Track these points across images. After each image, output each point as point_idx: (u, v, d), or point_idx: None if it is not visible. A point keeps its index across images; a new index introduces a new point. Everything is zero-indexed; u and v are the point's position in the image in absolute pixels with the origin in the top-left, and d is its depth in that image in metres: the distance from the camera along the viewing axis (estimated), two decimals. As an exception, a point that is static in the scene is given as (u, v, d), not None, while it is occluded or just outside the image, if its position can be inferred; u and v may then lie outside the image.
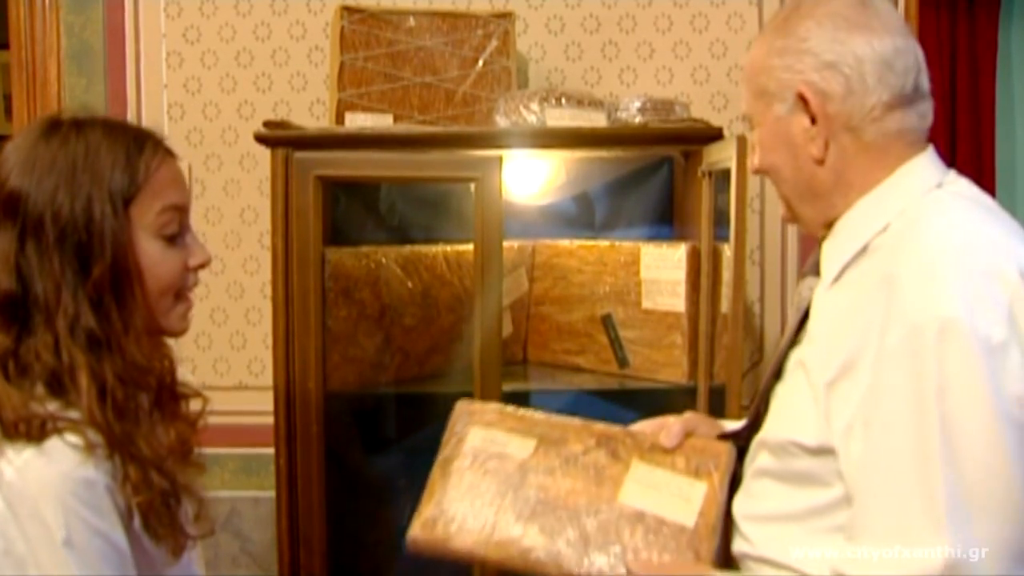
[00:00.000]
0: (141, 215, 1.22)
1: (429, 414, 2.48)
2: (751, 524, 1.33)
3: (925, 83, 1.27)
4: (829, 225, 1.30)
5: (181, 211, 1.27)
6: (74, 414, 1.16)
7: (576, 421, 1.48)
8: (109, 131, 1.23)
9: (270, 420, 2.09)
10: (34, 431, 1.13)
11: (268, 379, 2.17)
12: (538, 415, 1.50)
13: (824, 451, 1.19)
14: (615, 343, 2.29)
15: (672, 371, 2.20)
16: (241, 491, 2.63)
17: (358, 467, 2.44)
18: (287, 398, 2.06)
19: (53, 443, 1.13)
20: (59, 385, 1.16)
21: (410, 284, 2.25)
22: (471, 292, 2.18)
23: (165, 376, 1.27)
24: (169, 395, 1.28)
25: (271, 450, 2.09)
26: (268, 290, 2.46)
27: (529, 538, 1.36)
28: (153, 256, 1.23)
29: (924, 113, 1.28)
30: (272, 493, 2.12)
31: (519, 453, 1.45)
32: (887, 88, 1.23)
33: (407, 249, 2.28)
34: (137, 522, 1.18)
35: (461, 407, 1.55)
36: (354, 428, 2.42)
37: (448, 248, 2.32)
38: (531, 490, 1.40)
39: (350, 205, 2.43)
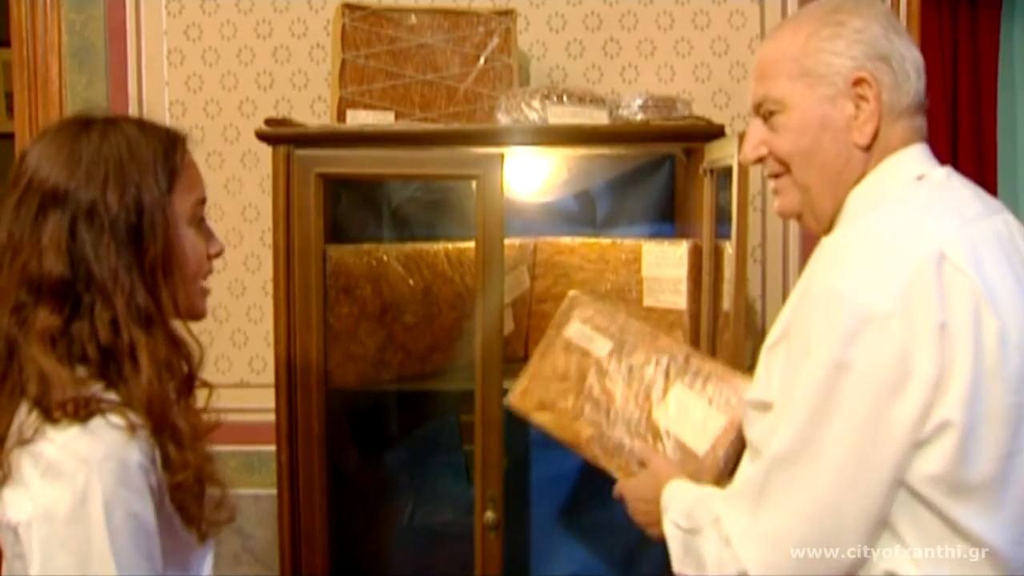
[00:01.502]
0: (179, 203, 1.31)
1: (430, 411, 2.49)
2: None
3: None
4: (834, 220, 1.35)
5: (204, 202, 1.37)
6: (113, 396, 1.20)
7: (648, 331, 1.74)
8: (142, 128, 1.32)
9: (271, 417, 2.09)
10: (79, 411, 1.17)
11: (269, 376, 2.17)
12: (622, 317, 1.77)
13: (765, 407, 1.29)
14: (617, 341, 2.29)
15: (673, 369, 2.20)
16: (243, 488, 2.63)
17: (359, 464, 2.44)
18: (288, 396, 2.06)
19: (97, 422, 1.17)
20: (109, 364, 1.22)
21: (411, 282, 2.25)
22: (472, 290, 2.18)
23: (195, 361, 1.33)
24: (192, 381, 1.34)
25: (272, 447, 2.09)
26: (269, 288, 2.45)
27: (582, 429, 1.70)
28: (189, 241, 1.32)
29: (925, 122, 1.37)
30: (273, 490, 2.13)
31: (598, 352, 1.74)
32: (916, 93, 1.32)
33: (408, 247, 2.28)
34: (168, 503, 1.24)
35: (571, 297, 1.85)
36: (355, 425, 2.42)
37: (449, 245, 2.32)
38: (596, 389, 1.71)
39: (351, 203, 2.43)
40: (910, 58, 1.32)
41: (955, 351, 1.14)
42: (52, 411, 1.17)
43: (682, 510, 1.40)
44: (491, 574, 2.04)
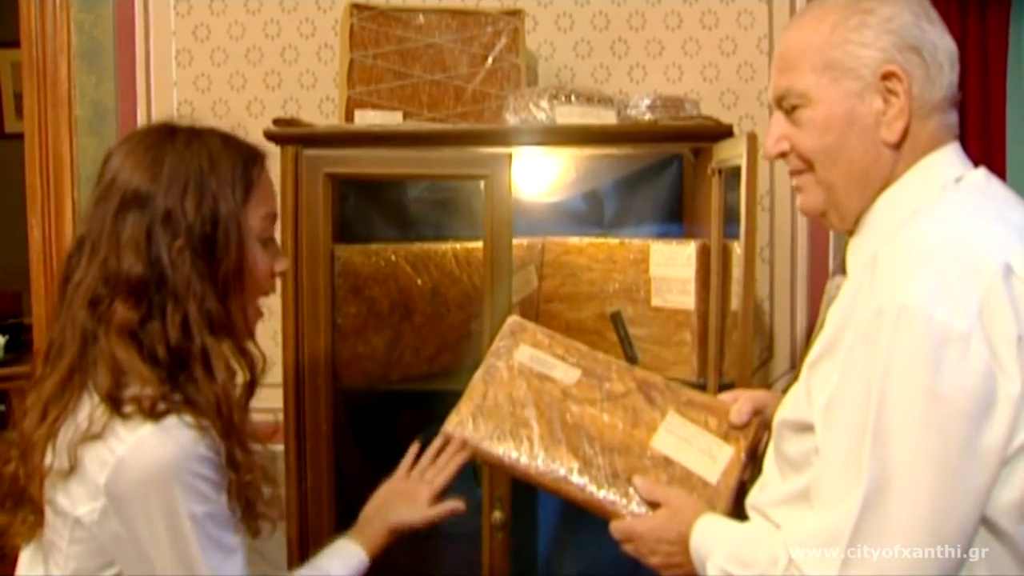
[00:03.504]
0: (250, 219, 1.34)
1: (439, 411, 2.48)
2: (753, 512, 1.35)
3: None
4: (857, 220, 1.29)
5: (275, 219, 1.41)
6: (178, 397, 1.24)
7: (620, 362, 1.60)
8: (225, 141, 1.37)
9: (280, 417, 2.09)
10: (157, 408, 1.20)
11: (278, 376, 2.17)
12: (583, 348, 1.61)
13: (804, 428, 1.21)
14: (624, 341, 2.28)
15: (681, 369, 2.19)
16: (250, 488, 2.63)
17: (367, 464, 2.44)
18: (297, 395, 2.06)
19: (171, 420, 1.21)
20: (179, 365, 1.25)
21: (420, 281, 2.25)
22: (480, 289, 2.18)
23: (259, 369, 1.39)
24: (253, 388, 1.39)
25: (281, 447, 2.10)
26: (278, 287, 2.46)
27: (563, 460, 1.47)
28: (257, 256, 1.36)
29: (956, 117, 1.29)
30: (282, 490, 2.13)
31: (564, 379, 1.56)
32: (950, 85, 1.25)
33: (416, 246, 2.29)
34: (228, 500, 1.28)
35: (512, 323, 1.65)
36: (363, 425, 2.42)
37: (458, 245, 2.33)
38: (571, 416, 1.51)
39: (360, 202, 2.43)
40: (943, 48, 1.24)
41: None
42: (123, 404, 1.20)
43: (732, 555, 1.27)
44: (499, 574, 2.05)
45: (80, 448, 1.20)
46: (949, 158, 1.26)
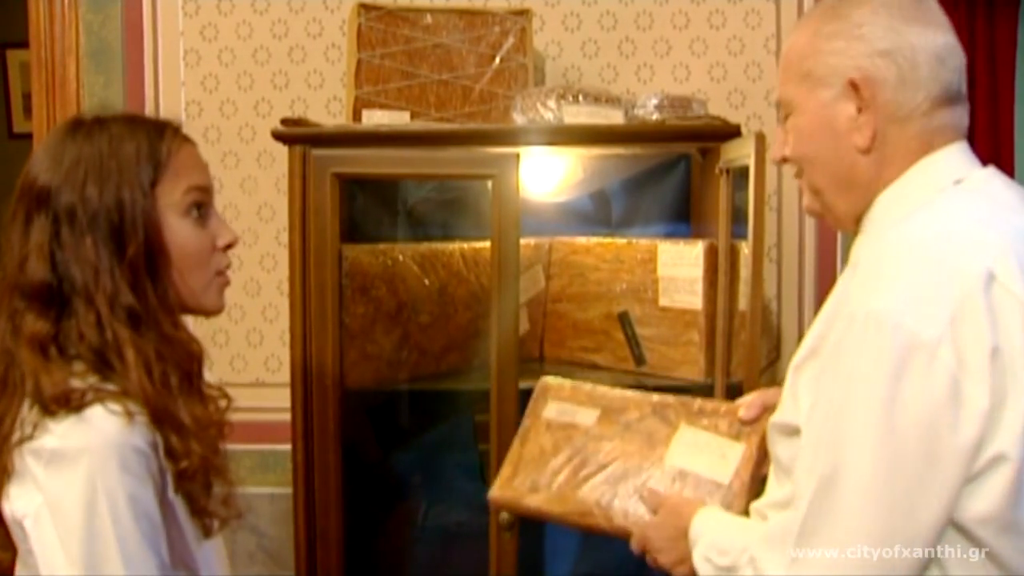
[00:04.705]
0: (166, 195, 1.28)
1: (446, 411, 2.49)
2: (755, 515, 1.36)
3: (964, 87, 1.26)
4: (859, 220, 1.28)
5: (204, 191, 1.33)
6: (112, 387, 1.20)
7: (635, 393, 1.66)
8: (129, 122, 1.30)
9: (287, 416, 2.09)
10: (75, 402, 1.18)
11: (285, 376, 2.18)
12: (605, 389, 1.69)
13: (792, 432, 1.22)
14: (632, 341, 2.28)
15: (689, 369, 2.19)
16: (258, 487, 2.64)
17: (375, 464, 2.44)
18: (304, 395, 2.06)
19: (94, 410, 1.18)
20: (102, 362, 1.22)
21: (427, 281, 2.25)
22: (488, 289, 2.18)
23: (195, 359, 1.31)
24: (197, 379, 1.32)
25: (288, 446, 2.10)
26: (285, 287, 2.46)
27: (587, 496, 1.55)
28: (181, 233, 1.29)
29: (963, 114, 1.26)
30: (289, 489, 2.13)
31: (585, 421, 1.64)
32: (937, 83, 1.22)
33: (424, 246, 2.29)
34: (171, 492, 1.23)
35: (541, 384, 1.75)
36: (371, 425, 2.42)
37: (465, 245, 2.33)
38: (592, 454, 1.59)
39: (367, 202, 2.43)
40: (924, 47, 1.21)
41: (1008, 379, 1.06)
42: (48, 405, 1.18)
43: (713, 542, 1.31)
44: (506, 574, 2.04)
45: (16, 452, 1.19)
46: (951, 159, 1.24)
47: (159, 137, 1.30)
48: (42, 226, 1.23)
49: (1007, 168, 2.41)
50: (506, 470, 1.66)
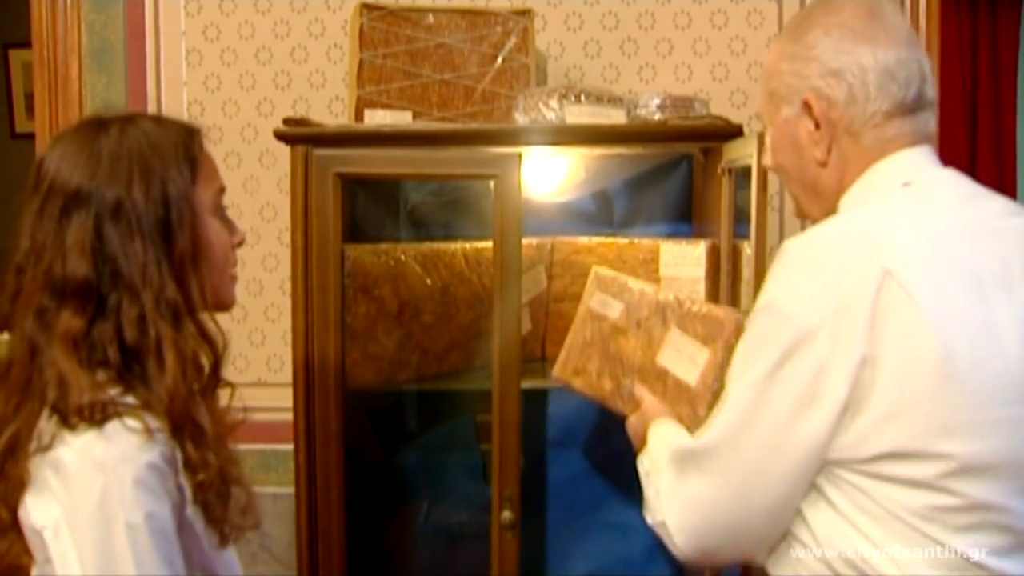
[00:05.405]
0: (202, 194, 1.31)
1: (448, 411, 2.49)
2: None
3: (930, 92, 1.32)
4: None
5: (224, 192, 1.38)
6: (132, 399, 1.20)
7: (648, 289, 1.85)
8: (159, 122, 1.32)
9: (289, 416, 2.10)
10: (96, 415, 1.17)
11: (287, 375, 2.18)
12: (634, 284, 1.88)
13: None
14: (634, 340, 2.28)
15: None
16: (260, 487, 2.63)
17: (377, 464, 2.44)
18: (306, 394, 2.06)
19: (113, 426, 1.17)
20: (128, 367, 1.21)
21: (429, 281, 2.25)
22: (490, 289, 2.18)
23: (220, 352, 1.32)
24: (216, 377, 1.33)
25: (290, 446, 2.10)
26: (287, 287, 2.47)
27: (606, 384, 1.86)
28: (215, 231, 1.34)
29: (927, 121, 1.32)
30: (291, 489, 2.13)
31: (612, 315, 1.89)
32: (888, 97, 1.28)
33: (426, 246, 2.29)
34: (189, 508, 1.23)
35: (593, 273, 1.99)
36: (373, 425, 2.42)
37: (467, 245, 2.32)
38: (612, 347, 1.87)
39: (369, 202, 2.43)
40: (875, 65, 1.27)
41: (876, 384, 1.13)
42: (69, 416, 1.17)
43: (650, 449, 1.53)
44: (508, 574, 2.05)
45: (33, 461, 1.18)
46: (901, 163, 1.29)
47: (191, 138, 1.32)
48: (81, 223, 1.22)
49: (1009, 169, 2.41)
50: (562, 353, 1.98)
